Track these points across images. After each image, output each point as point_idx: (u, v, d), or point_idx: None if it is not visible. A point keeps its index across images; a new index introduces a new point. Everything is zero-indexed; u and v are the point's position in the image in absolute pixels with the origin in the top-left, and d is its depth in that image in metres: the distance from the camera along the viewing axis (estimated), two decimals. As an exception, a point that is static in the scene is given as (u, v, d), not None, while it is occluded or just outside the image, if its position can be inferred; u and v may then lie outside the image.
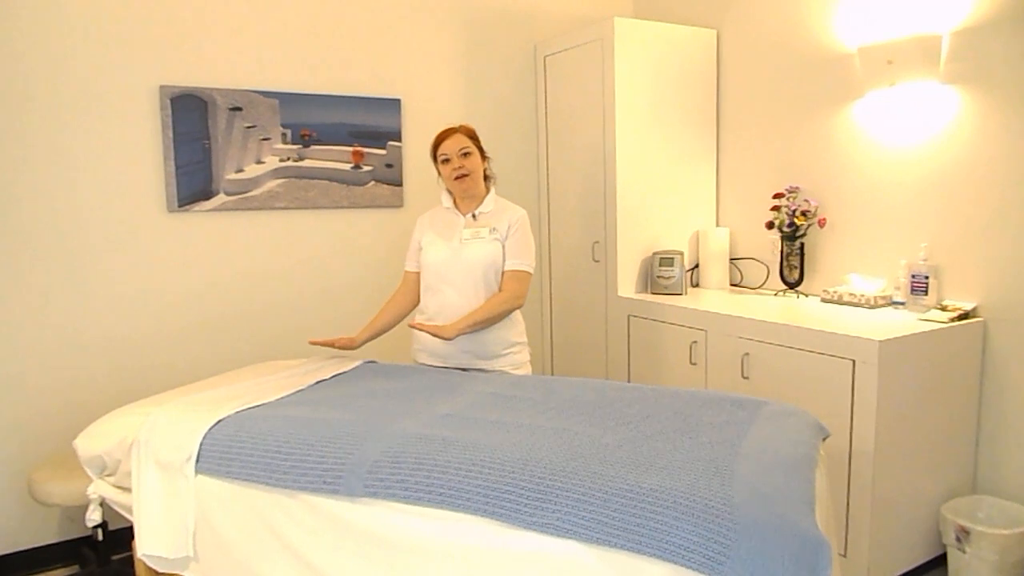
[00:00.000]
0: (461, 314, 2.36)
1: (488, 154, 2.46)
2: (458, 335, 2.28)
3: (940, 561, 2.50)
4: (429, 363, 2.47)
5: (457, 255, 2.39)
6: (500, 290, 2.39)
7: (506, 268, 2.39)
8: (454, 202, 2.47)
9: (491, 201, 2.45)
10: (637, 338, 3.19)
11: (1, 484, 2.64)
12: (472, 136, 2.41)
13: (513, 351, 2.46)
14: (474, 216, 2.43)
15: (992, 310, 2.49)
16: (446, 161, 2.37)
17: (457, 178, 2.37)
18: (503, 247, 2.39)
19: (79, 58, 2.62)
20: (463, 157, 2.36)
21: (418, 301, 2.52)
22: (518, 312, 2.46)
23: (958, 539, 2.36)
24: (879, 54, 2.64)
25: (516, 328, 2.46)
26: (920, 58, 2.52)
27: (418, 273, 2.49)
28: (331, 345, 2.40)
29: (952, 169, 2.55)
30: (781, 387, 2.49)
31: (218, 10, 2.86)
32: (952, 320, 2.43)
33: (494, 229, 2.39)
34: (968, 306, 2.50)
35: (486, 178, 2.47)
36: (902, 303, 2.68)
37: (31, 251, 2.61)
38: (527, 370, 2.51)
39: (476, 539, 1.43)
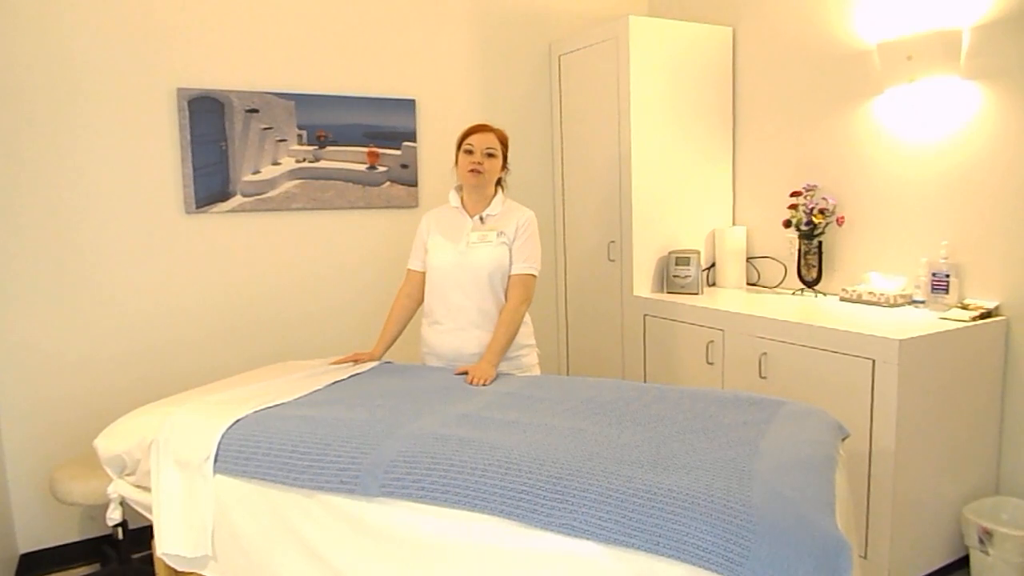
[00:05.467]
0: (468, 318, 2.37)
1: (509, 167, 2.46)
2: (496, 367, 2.27)
3: (962, 563, 2.47)
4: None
5: (464, 258, 2.37)
6: (506, 298, 2.38)
7: (512, 272, 2.38)
8: (461, 201, 2.46)
9: (499, 203, 2.43)
10: (653, 338, 3.17)
11: (23, 483, 2.68)
12: (503, 142, 2.41)
13: (522, 354, 2.45)
14: (482, 219, 2.42)
15: (1014, 308, 2.45)
16: (469, 152, 2.36)
17: (472, 171, 2.36)
18: (510, 250, 2.38)
19: (96, 61, 2.65)
20: (486, 156, 2.35)
21: (423, 300, 2.52)
22: (527, 315, 2.45)
23: (981, 541, 2.33)
24: (899, 50, 2.60)
25: (524, 331, 2.45)
26: (941, 53, 2.49)
27: (423, 273, 2.49)
28: (354, 361, 2.42)
29: (973, 166, 2.51)
30: (799, 387, 2.47)
31: (234, 12, 2.88)
32: (974, 319, 2.40)
33: (502, 233, 2.38)
34: (990, 304, 2.46)
35: (498, 182, 2.47)
36: (922, 302, 2.64)
37: (50, 254, 2.64)
38: (536, 372, 2.50)
39: (492, 539, 1.43)
